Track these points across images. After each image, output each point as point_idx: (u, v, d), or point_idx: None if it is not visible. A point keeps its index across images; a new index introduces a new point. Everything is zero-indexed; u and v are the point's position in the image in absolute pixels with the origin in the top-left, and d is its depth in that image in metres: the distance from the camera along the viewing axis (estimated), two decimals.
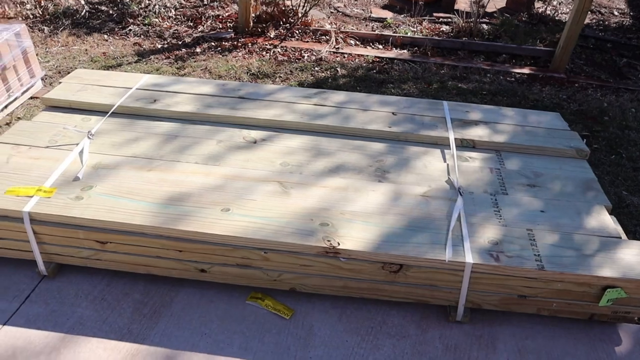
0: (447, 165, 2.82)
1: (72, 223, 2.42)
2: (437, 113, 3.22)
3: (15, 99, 3.82)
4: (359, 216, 2.39)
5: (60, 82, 4.12)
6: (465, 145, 3.00)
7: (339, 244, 2.24)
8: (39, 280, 2.57)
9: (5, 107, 3.72)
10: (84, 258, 2.50)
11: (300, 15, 5.24)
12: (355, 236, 2.29)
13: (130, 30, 5.19)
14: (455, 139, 2.99)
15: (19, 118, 3.75)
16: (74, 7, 5.54)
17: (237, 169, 2.67)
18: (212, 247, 2.32)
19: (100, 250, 2.45)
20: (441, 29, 5.73)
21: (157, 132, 2.95)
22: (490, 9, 6.56)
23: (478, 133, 3.06)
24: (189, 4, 5.93)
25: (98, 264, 2.51)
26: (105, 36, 5.07)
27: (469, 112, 3.28)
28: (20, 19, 5.49)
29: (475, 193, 2.62)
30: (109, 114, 3.12)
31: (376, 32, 5.46)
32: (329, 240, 2.26)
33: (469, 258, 2.23)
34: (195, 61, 4.58)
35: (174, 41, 5.01)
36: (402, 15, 6.26)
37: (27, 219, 2.42)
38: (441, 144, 2.98)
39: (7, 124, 3.70)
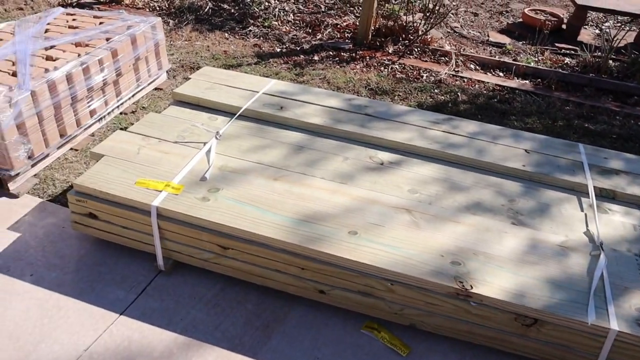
0: (585, 215, 2.62)
1: (197, 224, 2.41)
2: (573, 156, 3.01)
3: (142, 88, 3.91)
4: (493, 260, 2.24)
5: (187, 78, 4.20)
6: (604, 195, 2.78)
7: (471, 287, 2.11)
8: (155, 274, 2.58)
9: (133, 95, 3.82)
10: (203, 260, 2.49)
11: (420, 33, 5.12)
12: (489, 281, 2.14)
13: (250, 30, 5.25)
14: (595, 187, 2.77)
15: (143, 107, 3.85)
16: (198, 3, 5.68)
17: (365, 190, 2.58)
18: (336, 270, 2.24)
19: (220, 254, 2.43)
20: (564, 61, 5.44)
21: (284, 142, 2.91)
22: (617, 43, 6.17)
23: (619, 183, 2.83)
24: (307, 9, 5.94)
25: (215, 268, 2.49)
26: (226, 34, 5.15)
27: (608, 159, 3.05)
28: (147, 9, 5.69)
29: (618, 251, 2.41)
30: (236, 116, 3.12)
31: (497, 58, 5.25)
32: (461, 282, 2.12)
33: (614, 324, 2.03)
34: (313, 69, 4.56)
35: (292, 46, 5.01)
36: (521, 42, 6.01)
37: (155, 213, 2.43)
38: (578, 191, 2.78)
39: (133, 112, 3.80)
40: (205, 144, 2.88)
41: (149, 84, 4.02)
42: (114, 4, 5.82)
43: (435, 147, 2.91)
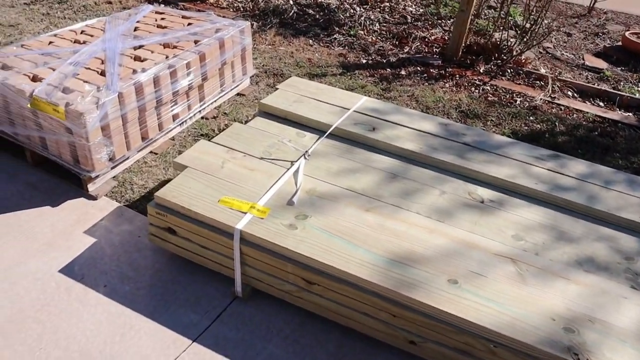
0: None
1: (282, 253, 2.24)
2: None
3: (225, 93, 3.80)
4: (612, 331, 1.97)
5: (271, 85, 4.08)
6: None
7: None
8: (231, 300, 2.44)
9: (215, 100, 3.71)
10: (284, 292, 2.32)
11: (514, 53, 4.81)
12: (609, 358, 1.87)
13: (335, 38, 5.08)
14: None
15: (225, 113, 3.74)
16: (283, 7, 5.55)
17: (464, 232, 2.34)
18: (432, 322, 2.03)
19: (304, 289, 2.25)
20: None
21: (376, 167, 2.71)
22: None
23: None
24: (392, 19, 5.71)
25: (297, 302, 2.32)
26: (311, 41, 5.00)
27: None
28: (231, 9, 5.60)
29: None
30: (326, 134, 2.94)
31: (596, 85, 4.87)
32: (576, 354, 1.86)
33: None
34: (400, 85, 4.34)
35: (378, 58, 4.81)
36: (620, 69, 5.58)
37: (238, 237, 2.28)
38: None
39: (214, 117, 3.69)
40: (292, 163, 2.71)
41: (232, 89, 3.90)
42: (198, 1, 5.77)
43: (541, 188, 2.64)
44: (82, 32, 3.72)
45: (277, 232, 2.29)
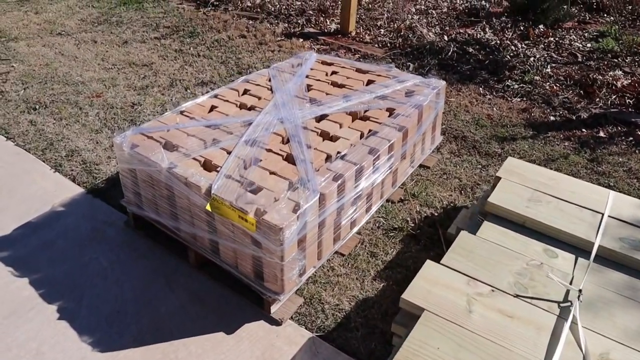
0: None
1: None
2: None
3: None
4: None
5: (455, 154, 3.17)
6: None
7: None
8: None
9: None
10: None
11: None
12: None
13: (507, 86, 4.12)
14: None
15: (413, 195, 2.88)
16: (438, 44, 4.61)
17: None
18: None
19: None
20: None
21: None
22: None
23: None
24: (560, 58, 4.66)
25: None
26: (481, 89, 4.06)
27: None
28: (376, 45, 4.73)
29: None
30: (592, 259, 2.01)
31: None
32: None
33: None
34: (608, 153, 3.36)
35: (566, 113, 3.82)
36: None
37: None
38: None
39: (401, 200, 2.84)
40: (559, 305, 1.79)
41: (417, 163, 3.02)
42: (339, 35, 4.93)
43: None
44: (245, 91, 2.94)
45: None
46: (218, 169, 2.30)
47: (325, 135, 2.54)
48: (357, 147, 2.44)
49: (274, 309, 2.28)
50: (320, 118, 2.69)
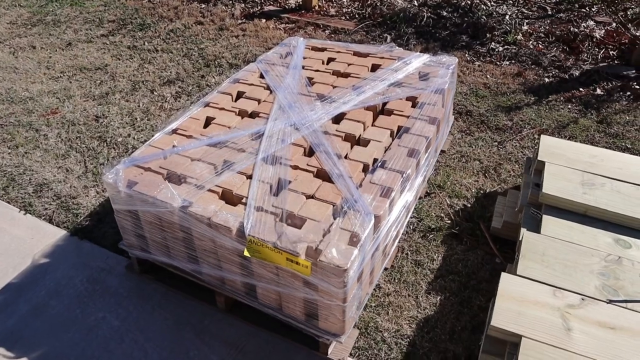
0: None
1: None
2: None
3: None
4: None
5: (466, 132, 2.85)
6: None
7: None
8: None
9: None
10: None
11: None
12: None
13: (492, 49, 3.81)
14: None
15: (440, 187, 2.55)
16: (410, 11, 4.23)
17: None
18: None
19: None
20: None
21: None
22: None
23: None
24: (530, 13, 4.40)
25: None
26: (467, 55, 3.74)
27: None
28: (343, 18, 4.30)
29: None
30: None
31: None
32: None
33: None
34: (613, 112, 3.17)
35: (557, 72, 3.57)
36: None
37: None
38: None
39: (427, 194, 2.54)
40: None
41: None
42: (303, 11, 4.44)
43: None
44: (239, 95, 2.48)
45: None
46: (243, 199, 1.86)
47: (352, 139, 2.14)
48: (394, 150, 2.06)
49: (330, 349, 1.91)
50: (337, 118, 2.28)
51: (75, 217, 2.51)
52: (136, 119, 3.16)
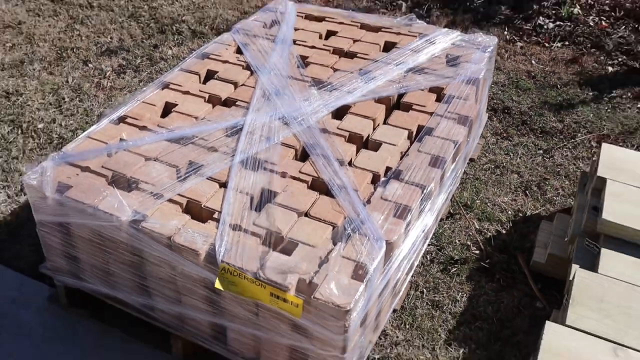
0: None
1: None
2: None
3: None
4: None
5: (502, 135, 2.99)
6: None
7: None
8: None
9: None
10: None
11: None
12: None
13: (540, 26, 3.98)
14: None
15: (465, 206, 2.69)
16: None
17: None
18: None
19: None
20: None
21: None
22: None
23: None
24: None
25: None
26: (507, 34, 3.93)
27: None
28: None
29: None
30: None
31: None
32: None
33: None
34: None
35: (624, 59, 3.75)
36: None
37: None
38: None
39: (450, 215, 2.64)
40: None
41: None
42: None
43: None
44: (209, 74, 2.58)
45: None
46: (215, 215, 1.96)
47: (358, 141, 2.26)
48: (413, 157, 2.17)
49: None
50: (338, 112, 2.39)
51: None
52: (64, 98, 3.24)
